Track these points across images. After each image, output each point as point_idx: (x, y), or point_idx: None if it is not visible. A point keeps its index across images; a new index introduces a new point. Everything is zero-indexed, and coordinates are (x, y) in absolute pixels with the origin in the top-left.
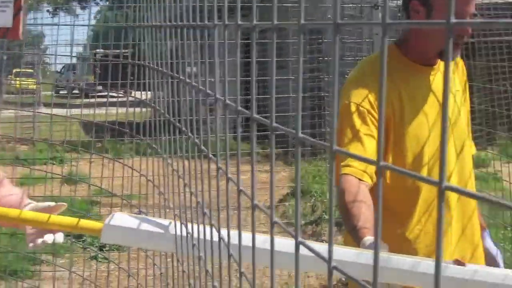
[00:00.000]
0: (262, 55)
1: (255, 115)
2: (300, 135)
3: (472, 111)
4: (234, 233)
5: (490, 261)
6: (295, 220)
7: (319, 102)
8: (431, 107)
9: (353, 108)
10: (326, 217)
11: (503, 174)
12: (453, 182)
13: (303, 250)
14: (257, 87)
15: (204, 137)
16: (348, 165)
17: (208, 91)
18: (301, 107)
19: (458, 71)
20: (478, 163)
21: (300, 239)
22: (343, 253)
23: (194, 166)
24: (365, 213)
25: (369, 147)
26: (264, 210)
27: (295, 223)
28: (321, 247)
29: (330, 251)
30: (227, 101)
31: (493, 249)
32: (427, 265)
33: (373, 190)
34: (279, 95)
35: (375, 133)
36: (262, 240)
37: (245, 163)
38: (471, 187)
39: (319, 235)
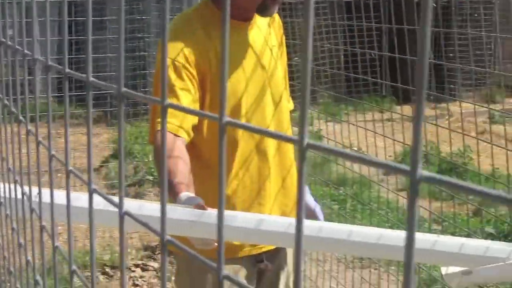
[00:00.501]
0: (81, 15)
1: (68, 70)
2: (123, 89)
3: (293, 71)
4: (45, 191)
5: (310, 215)
6: (87, 168)
7: (140, 62)
8: (248, 61)
9: (168, 63)
10: (149, 178)
11: (325, 133)
12: None
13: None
14: (77, 49)
15: (21, 99)
16: None
17: (18, 47)
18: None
19: (275, 26)
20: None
21: (93, 186)
22: (156, 208)
23: (4, 128)
24: (182, 169)
25: (184, 101)
26: (77, 174)
27: (88, 171)
28: (130, 201)
29: (120, 197)
30: (37, 57)
31: (312, 204)
32: (242, 219)
33: (191, 146)
34: (98, 55)
35: (191, 88)
36: (73, 197)
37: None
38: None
39: (142, 195)
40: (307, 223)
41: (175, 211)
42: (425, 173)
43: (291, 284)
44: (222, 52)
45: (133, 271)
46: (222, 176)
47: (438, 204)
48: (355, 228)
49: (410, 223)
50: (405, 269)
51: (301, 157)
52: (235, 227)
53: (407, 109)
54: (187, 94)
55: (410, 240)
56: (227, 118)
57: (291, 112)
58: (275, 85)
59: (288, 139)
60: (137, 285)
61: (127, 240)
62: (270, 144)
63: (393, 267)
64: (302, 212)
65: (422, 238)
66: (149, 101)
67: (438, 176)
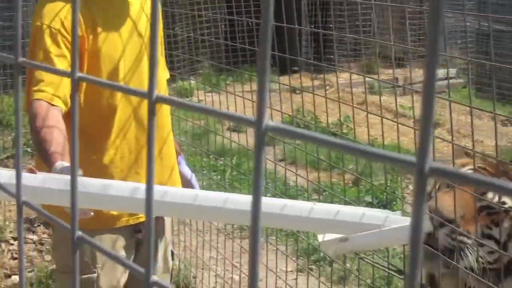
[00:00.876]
0: None
1: None
2: None
3: (177, 40)
4: None
5: (186, 183)
6: None
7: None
8: (125, 27)
9: (44, 29)
10: (28, 149)
11: (206, 103)
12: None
13: None
14: None
15: None
16: (39, 90)
17: None
18: None
19: None
20: (181, 92)
21: None
22: (31, 178)
23: None
24: (57, 138)
25: (60, 68)
26: None
27: None
28: (3, 171)
29: None
30: None
31: (188, 173)
32: (117, 187)
33: (68, 115)
34: None
35: (66, 54)
36: None
37: None
38: (166, 109)
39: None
40: (183, 191)
41: (48, 181)
42: (271, 123)
43: (169, 253)
44: (73, 5)
45: (12, 244)
46: (74, 133)
47: (318, 174)
48: (231, 195)
49: (257, 173)
50: (252, 221)
51: (150, 111)
52: (110, 196)
53: (287, 80)
54: (62, 61)
55: (257, 188)
56: (78, 74)
57: (167, 80)
58: None
59: (137, 93)
60: (15, 258)
61: (5, 213)
62: (147, 112)
63: (273, 237)
64: (151, 170)
65: (298, 206)
66: (2, 59)
67: (282, 125)
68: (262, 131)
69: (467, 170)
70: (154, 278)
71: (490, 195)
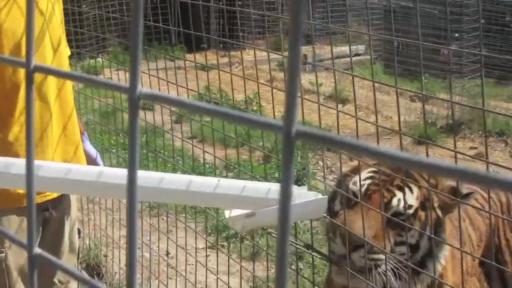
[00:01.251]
0: None
1: None
2: None
3: (82, 18)
4: None
5: (91, 162)
6: None
7: None
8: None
9: None
10: None
11: (113, 81)
12: (50, 79)
13: None
14: None
15: None
16: None
17: None
18: None
19: None
20: (89, 70)
21: None
22: None
23: None
24: None
25: None
26: None
27: None
28: None
29: None
30: None
31: (93, 152)
32: (19, 165)
33: None
34: None
35: None
36: None
37: None
38: (68, 85)
39: None
40: (87, 168)
41: None
42: (144, 90)
43: (75, 231)
44: None
45: None
46: None
47: (228, 151)
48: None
49: (132, 141)
50: (128, 184)
51: (28, 80)
52: (13, 174)
53: (199, 58)
54: None
55: (132, 157)
56: None
57: (69, 57)
58: (53, 30)
59: (15, 62)
60: None
61: None
62: (51, 89)
63: (183, 215)
64: (31, 141)
65: (204, 182)
66: None
67: (155, 92)
68: (135, 98)
69: (367, 173)
70: (38, 250)
71: (395, 202)
